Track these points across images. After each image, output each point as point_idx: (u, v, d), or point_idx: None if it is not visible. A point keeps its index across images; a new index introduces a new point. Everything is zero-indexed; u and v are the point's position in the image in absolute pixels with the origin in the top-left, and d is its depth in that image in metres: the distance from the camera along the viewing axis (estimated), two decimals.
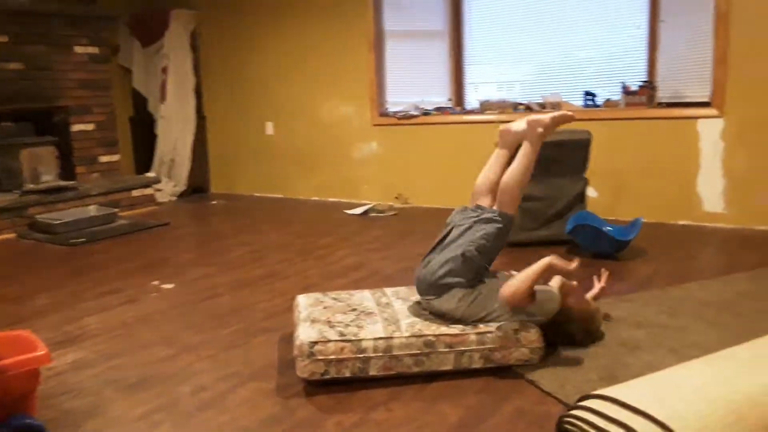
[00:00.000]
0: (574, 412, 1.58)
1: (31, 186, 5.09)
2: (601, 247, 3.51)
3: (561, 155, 3.71)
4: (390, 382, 2.12)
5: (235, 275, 3.53)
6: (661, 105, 4.36)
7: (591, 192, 4.47)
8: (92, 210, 5.13)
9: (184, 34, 6.24)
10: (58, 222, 4.69)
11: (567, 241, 3.70)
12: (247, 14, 6.05)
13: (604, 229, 3.58)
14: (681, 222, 4.27)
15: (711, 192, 4.16)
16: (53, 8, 5.27)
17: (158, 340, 2.61)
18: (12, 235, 4.72)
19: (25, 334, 1.99)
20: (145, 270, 3.71)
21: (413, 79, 5.50)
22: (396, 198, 5.46)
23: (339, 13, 5.49)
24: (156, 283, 3.44)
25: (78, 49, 5.55)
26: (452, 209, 2.50)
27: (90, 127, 5.70)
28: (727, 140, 4.06)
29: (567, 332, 2.30)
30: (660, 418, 1.46)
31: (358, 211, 5.21)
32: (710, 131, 4.10)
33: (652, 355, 2.21)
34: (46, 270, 3.79)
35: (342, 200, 5.81)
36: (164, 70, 6.21)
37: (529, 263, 2.21)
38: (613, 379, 2.01)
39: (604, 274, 2.69)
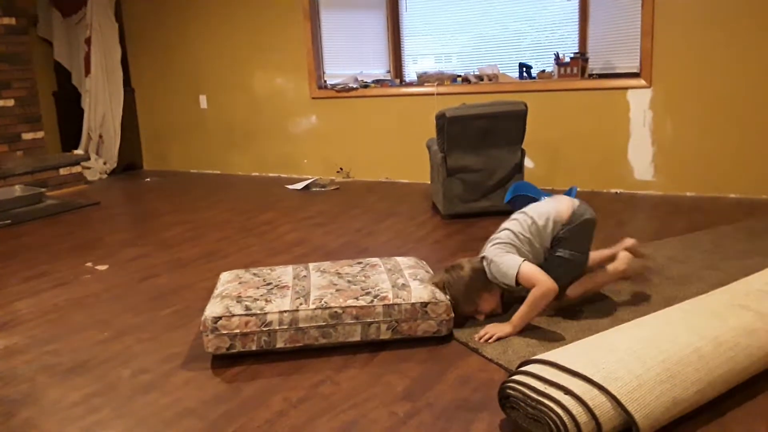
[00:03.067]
0: (516, 377, 1.63)
1: None
2: None
3: (498, 127, 3.76)
4: (336, 355, 2.13)
5: (172, 255, 3.44)
6: (592, 76, 4.46)
7: (528, 162, 4.57)
8: (17, 190, 4.91)
9: (107, 3, 5.94)
10: None
11: (506, 212, 3.76)
12: None
13: (541, 198, 3.66)
14: (613, 190, 4.43)
15: (641, 160, 4.31)
16: None
17: (94, 324, 2.52)
18: None
19: None
20: (76, 251, 3.57)
21: (351, 52, 5.43)
22: (338, 172, 5.43)
23: None
24: (89, 264, 3.32)
25: None
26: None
27: (10, 102, 5.42)
28: (655, 110, 4.20)
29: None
30: (596, 379, 1.53)
31: (300, 186, 5.16)
32: (639, 101, 4.24)
33: (588, 319, 2.29)
34: None
35: (282, 175, 5.73)
36: (87, 42, 5.92)
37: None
38: (551, 344, 2.07)
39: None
